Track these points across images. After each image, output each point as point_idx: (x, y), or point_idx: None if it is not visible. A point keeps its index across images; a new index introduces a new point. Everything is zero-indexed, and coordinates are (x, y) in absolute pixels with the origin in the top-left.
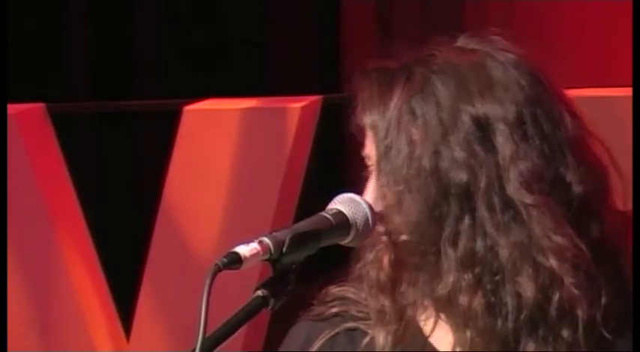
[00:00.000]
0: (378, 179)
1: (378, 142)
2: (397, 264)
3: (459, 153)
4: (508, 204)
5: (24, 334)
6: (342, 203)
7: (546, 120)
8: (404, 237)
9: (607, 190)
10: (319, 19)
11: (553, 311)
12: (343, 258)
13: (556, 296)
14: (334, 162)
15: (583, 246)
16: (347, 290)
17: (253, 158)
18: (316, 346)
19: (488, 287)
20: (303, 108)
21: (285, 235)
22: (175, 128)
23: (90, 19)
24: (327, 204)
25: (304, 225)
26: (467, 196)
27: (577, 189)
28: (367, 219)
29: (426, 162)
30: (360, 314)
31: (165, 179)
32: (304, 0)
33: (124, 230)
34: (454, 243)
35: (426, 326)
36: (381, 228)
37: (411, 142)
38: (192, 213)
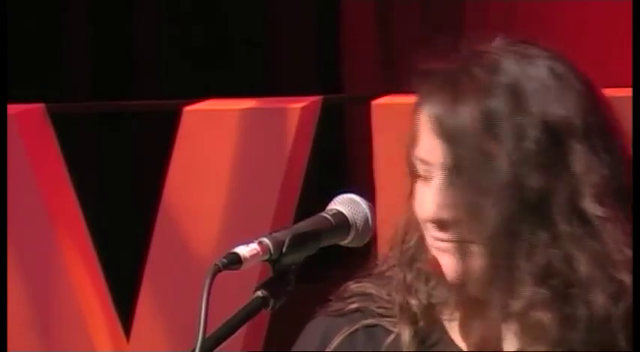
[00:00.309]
0: (447, 186)
1: (449, 149)
2: (463, 273)
3: (536, 165)
4: (583, 216)
5: (24, 334)
6: (342, 203)
7: (606, 131)
8: (475, 248)
9: None
10: (319, 19)
11: (616, 322)
12: (343, 258)
13: (621, 307)
14: (334, 162)
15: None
16: (367, 287)
17: (253, 158)
18: (335, 342)
19: (563, 300)
20: (303, 108)
21: (285, 236)
22: (175, 128)
23: (90, 19)
24: (327, 204)
25: (304, 225)
26: (544, 208)
27: (632, 195)
28: (367, 220)
29: (505, 174)
30: (380, 311)
31: (165, 179)
32: (304, 0)
33: (124, 230)
34: (530, 256)
35: (450, 325)
36: (440, 234)
37: (488, 152)
38: (192, 213)
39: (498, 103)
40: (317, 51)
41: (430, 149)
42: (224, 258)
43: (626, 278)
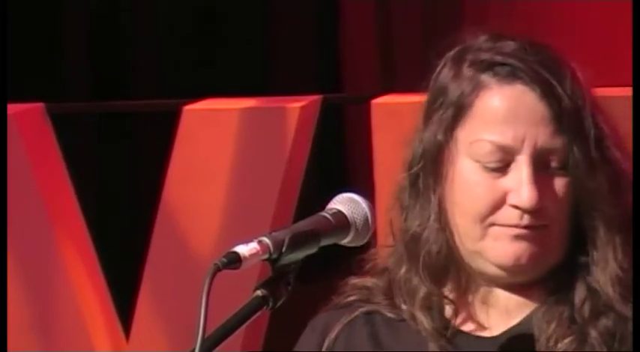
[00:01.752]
0: (573, 169)
1: (568, 132)
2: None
3: (618, 147)
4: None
5: (24, 334)
6: (342, 203)
7: None
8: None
9: None
10: (319, 19)
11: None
12: (343, 257)
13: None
14: (334, 162)
15: None
16: (365, 281)
17: (253, 157)
18: (335, 331)
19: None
20: (302, 108)
21: (285, 235)
22: (175, 128)
23: (90, 18)
24: (327, 203)
25: (304, 224)
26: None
27: None
28: (367, 219)
29: (610, 155)
30: (378, 300)
31: (165, 179)
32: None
33: (124, 230)
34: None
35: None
36: (524, 220)
37: (597, 134)
38: (191, 213)
39: (581, 88)
40: (317, 51)
41: (524, 132)
42: (224, 257)
43: None
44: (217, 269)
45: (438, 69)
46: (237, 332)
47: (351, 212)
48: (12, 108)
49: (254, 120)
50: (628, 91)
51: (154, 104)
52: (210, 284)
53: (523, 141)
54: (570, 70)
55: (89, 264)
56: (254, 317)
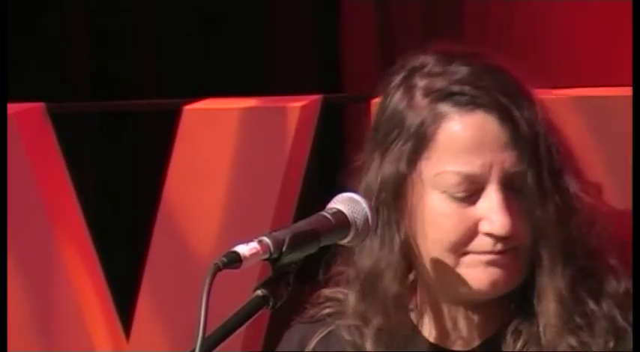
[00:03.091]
0: (535, 195)
1: (527, 157)
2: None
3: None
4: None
5: (24, 334)
6: (342, 202)
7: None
8: (525, 253)
9: None
10: (319, 18)
11: None
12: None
13: None
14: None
15: None
16: (338, 292)
17: (253, 158)
18: (312, 345)
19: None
20: (303, 107)
21: (285, 235)
22: (175, 128)
23: (90, 18)
24: (327, 204)
25: (304, 224)
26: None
27: None
28: (367, 219)
29: (560, 179)
30: (350, 311)
31: (165, 179)
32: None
33: (124, 230)
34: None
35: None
36: (497, 246)
37: (551, 159)
38: (192, 212)
39: (536, 110)
40: (317, 51)
41: (492, 158)
42: (224, 256)
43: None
44: (217, 269)
45: (388, 94)
46: (237, 332)
47: (352, 212)
48: (12, 108)
49: (254, 120)
50: (628, 91)
51: (154, 104)
52: (211, 284)
53: (490, 169)
54: (525, 93)
55: (89, 264)
56: (254, 317)
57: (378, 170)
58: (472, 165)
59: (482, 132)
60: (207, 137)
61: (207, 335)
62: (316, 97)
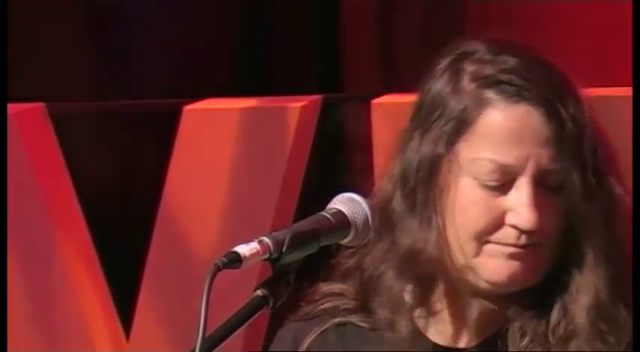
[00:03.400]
0: (560, 195)
1: (569, 153)
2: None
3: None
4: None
5: (24, 334)
6: (342, 203)
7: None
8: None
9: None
10: (319, 18)
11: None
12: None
13: None
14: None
15: None
16: (335, 287)
17: (253, 158)
18: (305, 344)
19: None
20: (303, 107)
21: (285, 235)
22: (175, 128)
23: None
24: (327, 204)
25: (304, 224)
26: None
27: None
28: (367, 219)
29: (601, 177)
30: (349, 306)
31: (165, 179)
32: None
33: (124, 230)
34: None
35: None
36: (520, 240)
37: (592, 156)
38: (192, 213)
39: (580, 109)
40: (317, 51)
41: (526, 153)
42: (224, 256)
43: None
44: (217, 269)
45: (435, 76)
46: (237, 332)
47: (352, 212)
48: (12, 108)
49: (254, 119)
50: (628, 91)
51: (154, 104)
52: (211, 284)
53: (526, 162)
54: (573, 90)
55: (89, 263)
56: (254, 317)
57: (418, 149)
58: (508, 156)
59: (524, 125)
60: (208, 137)
61: (207, 335)
62: (316, 97)
